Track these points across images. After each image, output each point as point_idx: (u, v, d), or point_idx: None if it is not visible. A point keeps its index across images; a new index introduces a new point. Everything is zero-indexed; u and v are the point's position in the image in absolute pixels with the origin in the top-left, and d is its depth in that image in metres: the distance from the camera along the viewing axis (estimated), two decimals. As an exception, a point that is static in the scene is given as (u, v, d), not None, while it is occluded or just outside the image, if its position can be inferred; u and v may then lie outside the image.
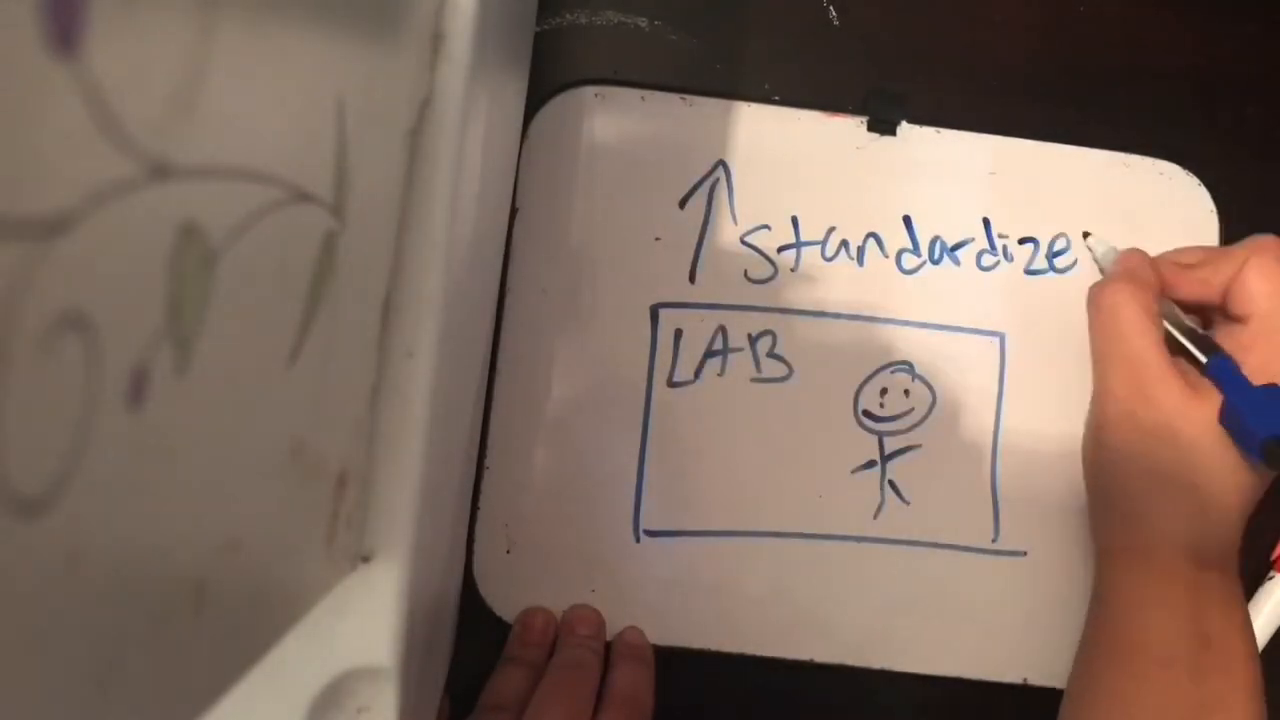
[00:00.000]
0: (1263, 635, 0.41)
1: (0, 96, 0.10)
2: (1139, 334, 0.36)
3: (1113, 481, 0.37)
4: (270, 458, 0.19)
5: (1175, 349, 0.36)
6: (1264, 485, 0.36)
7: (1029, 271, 0.40)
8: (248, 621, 0.20)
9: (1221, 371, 0.35)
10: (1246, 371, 0.35)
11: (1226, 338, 0.36)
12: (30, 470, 0.11)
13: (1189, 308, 0.37)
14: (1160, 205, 0.41)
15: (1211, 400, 0.35)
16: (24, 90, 0.10)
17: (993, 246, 0.40)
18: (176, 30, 0.13)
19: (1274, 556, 0.41)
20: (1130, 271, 0.37)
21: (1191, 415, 0.35)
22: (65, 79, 0.11)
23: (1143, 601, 0.35)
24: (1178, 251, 0.39)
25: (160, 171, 0.13)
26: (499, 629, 0.39)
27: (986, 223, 0.40)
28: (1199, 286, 0.37)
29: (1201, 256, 0.38)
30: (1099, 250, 0.40)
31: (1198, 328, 0.37)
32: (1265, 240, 0.36)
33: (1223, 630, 0.34)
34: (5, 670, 0.11)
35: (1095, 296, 0.38)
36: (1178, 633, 0.34)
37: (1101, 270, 0.40)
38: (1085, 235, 0.40)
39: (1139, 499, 0.36)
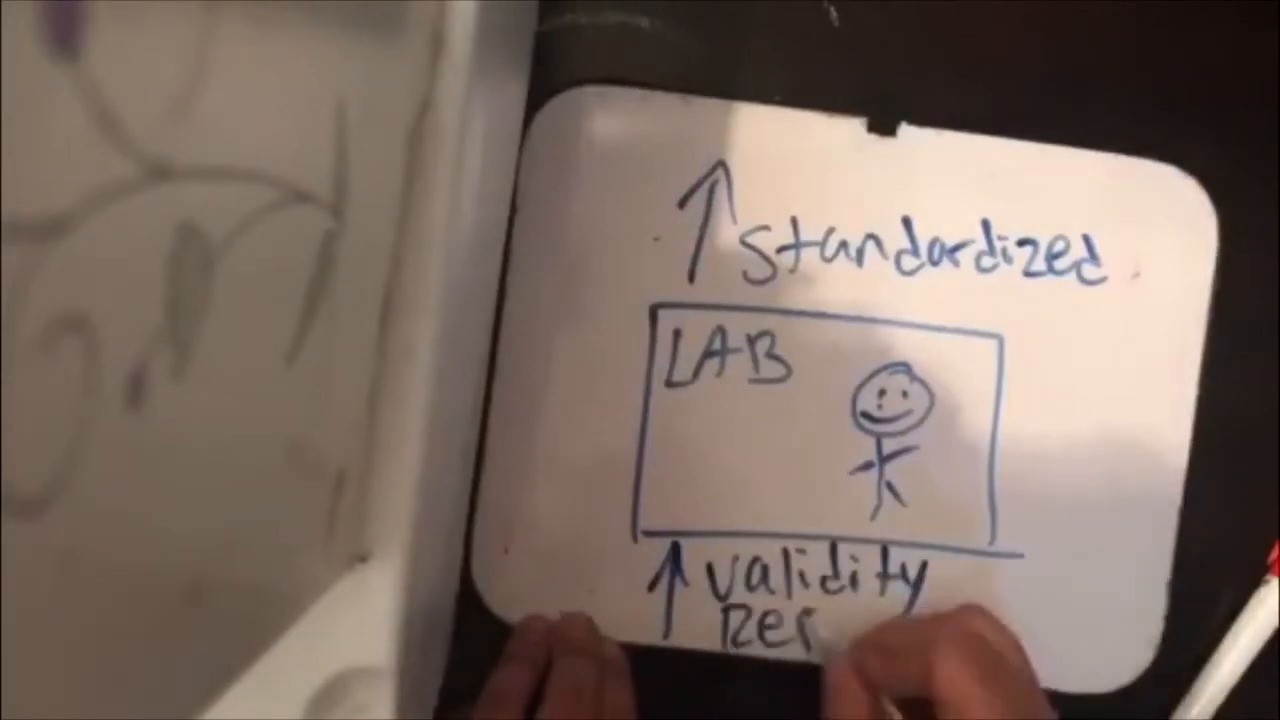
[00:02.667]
0: (1258, 640, 0.41)
1: (1, 98, 0.10)
2: None
3: None
4: (268, 458, 0.19)
5: None
6: None
7: (1028, 273, 0.40)
8: (245, 620, 0.20)
9: None
10: None
11: None
12: (29, 470, 0.11)
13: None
14: (1159, 208, 0.41)
15: None
16: (25, 91, 0.10)
17: (991, 248, 0.40)
18: (176, 32, 0.13)
19: (1270, 560, 0.41)
20: (839, 691, 0.37)
21: None
22: (65, 80, 0.11)
23: None
24: (880, 630, 0.38)
25: (160, 172, 0.13)
26: (497, 628, 0.39)
27: (986, 224, 0.40)
28: (905, 684, 0.36)
29: (898, 640, 0.37)
30: (823, 633, 0.39)
31: None
32: (949, 624, 0.36)
33: None
34: (5, 670, 0.11)
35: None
36: None
37: (823, 656, 0.39)
38: (806, 613, 0.40)
39: None
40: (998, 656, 0.36)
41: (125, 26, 0.11)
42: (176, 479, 0.15)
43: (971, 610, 0.37)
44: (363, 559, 0.24)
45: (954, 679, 0.34)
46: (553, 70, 0.39)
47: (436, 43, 0.24)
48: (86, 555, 0.13)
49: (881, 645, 0.37)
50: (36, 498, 0.11)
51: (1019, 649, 0.36)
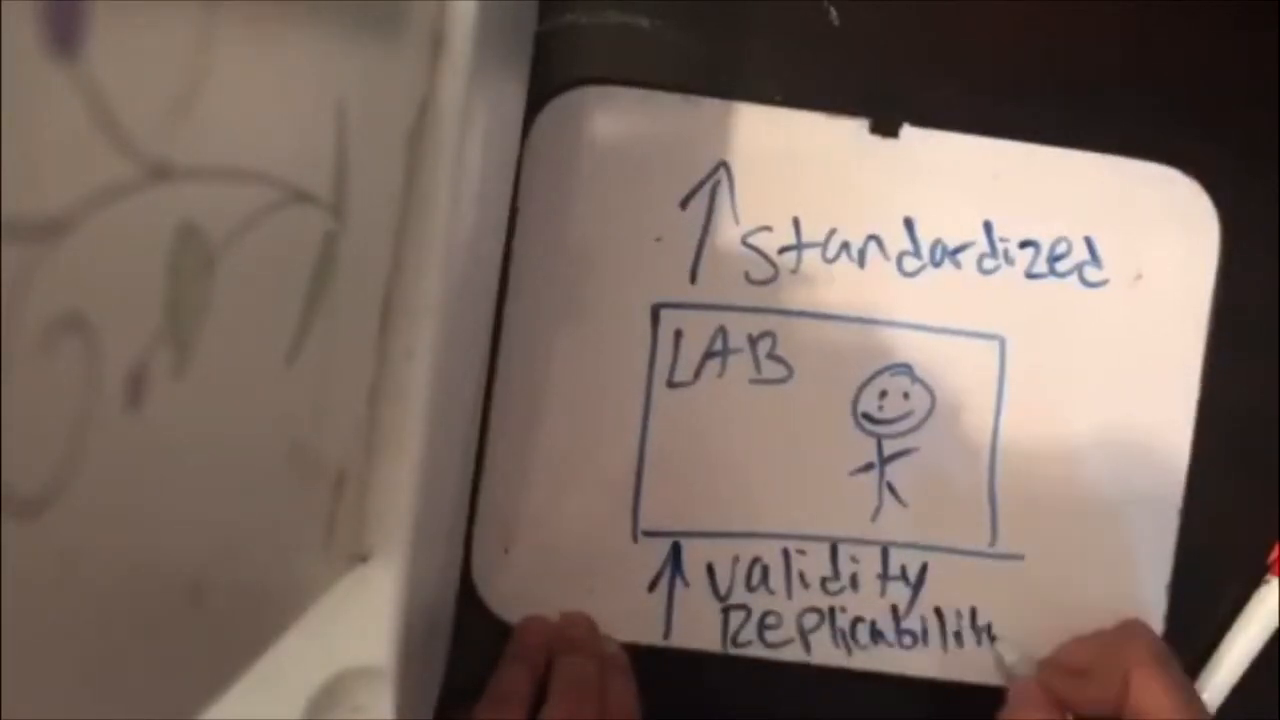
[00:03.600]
0: (1258, 640, 0.41)
1: (1, 98, 0.10)
2: None
3: None
4: (268, 458, 0.19)
5: None
6: None
7: (1029, 275, 0.40)
8: (245, 621, 0.20)
9: None
10: None
11: None
12: (29, 471, 0.11)
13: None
14: (1161, 210, 0.41)
15: None
16: (25, 92, 0.10)
17: (994, 250, 0.40)
18: (177, 32, 0.13)
19: (1270, 559, 0.41)
20: (1028, 710, 0.37)
21: None
22: (66, 81, 0.11)
23: None
24: (1063, 650, 0.39)
25: (160, 172, 0.13)
26: (497, 628, 0.39)
27: (988, 226, 0.40)
28: (1096, 705, 0.37)
29: (1090, 657, 0.38)
30: (1009, 658, 0.40)
31: None
32: (1143, 646, 0.37)
33: None
34: (5, 670, 0.11)
35: None
36: None
37: (1007, 678, 0.39)
38: (993, 638, 0.40)
39: None
40: (1189, 682, 0.37)
41: (125, 26, 0.11)
42: (176, 479, 0.15)
43: (1150, 631, 0.38)
44: (363, 559, 0.24)
45: (1156, 703, 0.35)
46: (553, 70, 0.39)
47: (436, 43, 0.24)
48: (86, 555, 0.13)
49: (1070, 665, 0.38)
50: (36, 498, 0.11)
51: None
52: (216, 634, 0.18)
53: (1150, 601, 0.41)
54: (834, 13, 0.40)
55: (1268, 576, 0.41)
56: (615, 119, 0.39)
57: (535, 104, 0.39)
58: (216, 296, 0.15)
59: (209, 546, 0.17)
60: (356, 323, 0.22)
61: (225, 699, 0.18)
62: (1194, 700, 0.36)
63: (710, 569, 0.40)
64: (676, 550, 0.40)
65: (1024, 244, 0.40)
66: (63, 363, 0.11)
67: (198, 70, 0.13)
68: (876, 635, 0.40)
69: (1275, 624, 0.41)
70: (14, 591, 0.11)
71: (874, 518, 0.40)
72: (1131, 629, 0.38)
